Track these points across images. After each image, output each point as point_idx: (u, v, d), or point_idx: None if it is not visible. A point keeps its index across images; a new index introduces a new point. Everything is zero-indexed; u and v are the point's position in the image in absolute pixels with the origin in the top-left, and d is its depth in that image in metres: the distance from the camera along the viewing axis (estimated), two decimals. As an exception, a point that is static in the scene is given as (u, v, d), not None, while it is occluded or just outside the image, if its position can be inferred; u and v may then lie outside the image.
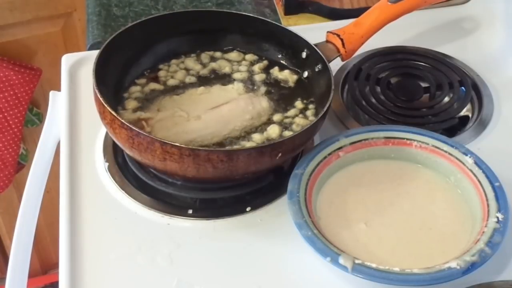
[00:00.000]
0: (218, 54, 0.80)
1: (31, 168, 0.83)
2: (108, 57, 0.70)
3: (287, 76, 0.77)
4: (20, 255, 0.76)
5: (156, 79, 0.76)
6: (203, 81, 0.76)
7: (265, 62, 0.79)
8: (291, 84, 0.77)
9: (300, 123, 0.71)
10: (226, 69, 0.78)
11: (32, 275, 1.42)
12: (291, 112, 0.73)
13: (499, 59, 0.89)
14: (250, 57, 0.80)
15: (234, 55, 0.80)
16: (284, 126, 0.71)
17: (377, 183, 0.70)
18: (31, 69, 1.36)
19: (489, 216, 0.62)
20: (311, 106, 0.74)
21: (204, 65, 0.78)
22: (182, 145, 0.60)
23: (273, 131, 0.70)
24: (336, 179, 0.69)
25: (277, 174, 0.71)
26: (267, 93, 0.76)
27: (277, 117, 0.72)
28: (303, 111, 0.73)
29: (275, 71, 0.78)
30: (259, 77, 0.77)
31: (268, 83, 0.77)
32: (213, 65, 0.78)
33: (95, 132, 0.76)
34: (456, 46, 0.91)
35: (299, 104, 0.74)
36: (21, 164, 1.45)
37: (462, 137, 0.76)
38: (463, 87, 0.83)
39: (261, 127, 0.71)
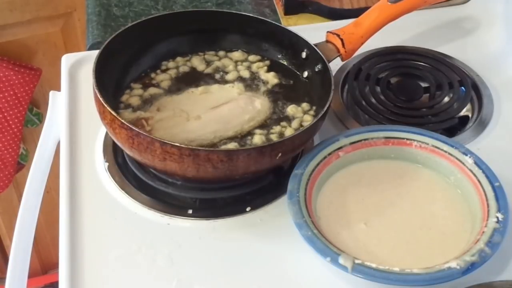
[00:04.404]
0: (221, 53, 0.80)
1: (31, 168, 0.83)
2: (108, 57, 0.70)
3: (268, 77, 0.77)
4: (20, 255, 0.76)
5: (152, 82, 0.75)
6: (203, 79, 0.76)
7: (267, 63, 0.79)
8: (269, 86, 0.76)
9: (299, 122, 0.72)
10: (230, 67, 0.78)
11: (32, 275, 1.42)
12: (291, 112, 0.73)
13: (499, 59, 0.89)
14: (253, 57, 0.80)
15: (237, 55, 0.80)
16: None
17: (377, 183, 0.70)
18: (31, 69, 1.36)
19: (489, 216, 0.62)
20: (311, 105, 0.74)
21: (207, 64, 0.78)
22: (182, 145, 0.60)
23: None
24: (336, 179, 0.69)
25: (277, 174, 0.71)
26: (267, 92, 0.76)
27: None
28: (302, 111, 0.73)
29: (261, 70, 0.78)
30: (244, 73, 0.77)
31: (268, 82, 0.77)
32: (217, 63, 0.78)
33: (95, 132, 0.76)
34: (456, 46, 0.91)
35: (298, 104, 0.74)
36: (21, 164, 1.45)
37: (462, 137, 0.76)
38: (463, 87, 0.83)
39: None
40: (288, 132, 0.70)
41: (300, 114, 0.73)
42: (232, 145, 0.68)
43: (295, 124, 0.71)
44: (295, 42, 0.77)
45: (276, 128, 0.71)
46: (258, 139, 0.69)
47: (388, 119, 0.78)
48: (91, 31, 0.99)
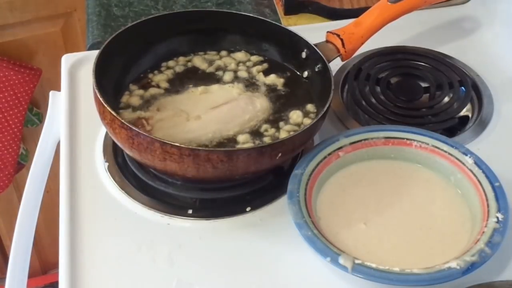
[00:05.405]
0: (222, 53, 0.80)
1: (31, 168, 0.83)
2: (108, 57, 0.70)
3: (268, 78, 0.77)
4: (20, 255, 0.76)
5: (152, 82, 0.75)
6: (203, 79, 0.76)
7: (265, 65, 0.79)
8: (269, 86, 0.76)
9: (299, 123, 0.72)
10: (232, 65, 0.78)
11: (32, 275, 1.42)
12: (291, 112, 0.73)
13: (499, 59, 0.89)
14: (255, 58, 0.80)
15: (240, 55, 0.80)
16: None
17: (377, 183, 0.70)
18: (31, 69, 1.36)
19: (489, 216, 0.62)
20: (311, 105, 0.74)
21: (208, 64, 0.78)
22: (182, 145, 0.60)
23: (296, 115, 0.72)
24: (336, 179, 0.69)
25: (277, 174, 0.71)
26: (267, 93, 0.76)
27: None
28: (302, 111, 0.73)
29: (260, 77, 0.77)
30: (244, 73, 0.77)
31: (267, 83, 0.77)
32: (218, 62, 0.78)
33: (95, 132, 0.76)
34: (456, 46, 0.91)
35: (299, 104, 0.74)
36: (21, 164, 1.45)
37: (462, 137, 0.76)
38: (463, 87, 0.83)
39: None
40: (283, 133, 0.70)
41: (301, 117, 0.72)
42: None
43: (291, 126, 0.71)
44: (295, 42, 0.77)
45: (272, 130, 0.71)
46: (244, 138, 0.69)
47: (388, 119, 0.78)
48: (91, 31, 0.99)
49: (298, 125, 0.71)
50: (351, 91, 0.82)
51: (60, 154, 0.75)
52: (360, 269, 0.57)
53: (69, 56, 0.88)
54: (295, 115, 0.72)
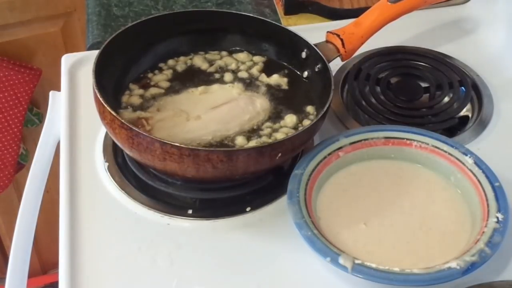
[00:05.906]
0: (223, 53, 0.80)
1: (31, 168, 0.83)
2: (108, 57, 0.70)
3: (268, 77, 0.77)
4: (20, 255, 0.76)
5: (152, 82, 0.75)
6: (203, 79, 0.76)
7: (267, 63, 0.79)
8: (269, 86, 0.76)
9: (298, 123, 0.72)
10: (232, 65, 0.78)
11: (32, 275, 1.42)
12: (286, 115, 0.73)
13: (499, 59, 0.89)
14: (257, 58, 0.80)
15: (242, 56, 0.80)
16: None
17: (377, 183, 0.70)
18: (31, 69, 1.36)
19: (489, 216, 0.62)
20: (311, 106, 0.74)
21: (209, 64, 0.78)
22: (182, 145, 0.60)
23: (290, 119, 0.71)
24: (336, 179, 0.69)
25: (277, 174, 0.71)
26: (267, 93, 0.76)
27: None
28: (302, 111, 0.73)
29: (263, 77, 0.77)
30: (244, 74, 0.77)
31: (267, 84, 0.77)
32: (219, 62, 0.78)
33: (95, 132, 0.76)
34: (456, 46, 0.91)
35: (298, 104, 0.74)
36: (21, 164, 1.45)
37: (462, 137, 0.76)
38: (463, 87, 0.83)
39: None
40: (282, 134, 0.70)
41: (295, 121, 0.72)
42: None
43: (288, 129, 0.71)
44: (295, 42, 0.77)
45: (272, 130, 0.70)
46: (244, 138, 0.69)
47: (388, 119, 0.78)
48: (91, 31, 0.99)
49: (295, 128, 0.71)
50: (351, 91, 0.82)
51: (60, 154, 0.75)
52: (360, 269, 0.57)
53: (69, 56, 0.88)
54: (289, 119, 0.72)
